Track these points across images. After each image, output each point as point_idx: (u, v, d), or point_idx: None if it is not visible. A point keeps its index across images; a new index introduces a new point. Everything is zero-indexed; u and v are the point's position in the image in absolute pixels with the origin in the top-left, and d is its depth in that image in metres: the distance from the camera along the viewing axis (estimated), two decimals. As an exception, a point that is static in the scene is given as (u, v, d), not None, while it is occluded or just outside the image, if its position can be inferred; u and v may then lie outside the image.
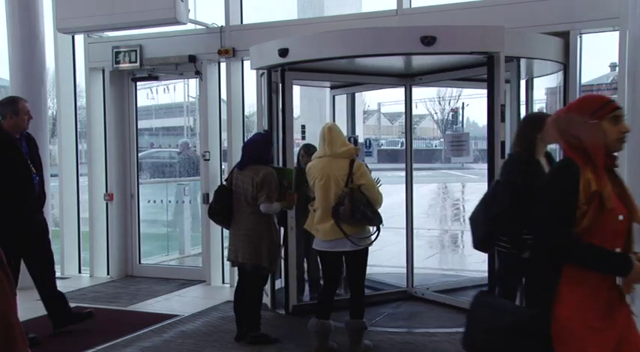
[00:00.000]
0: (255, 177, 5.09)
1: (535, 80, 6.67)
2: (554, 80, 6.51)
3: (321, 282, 5.81)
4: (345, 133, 5.85)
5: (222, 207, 5.28)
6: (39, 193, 5.42)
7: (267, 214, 5.15)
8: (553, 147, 4.62)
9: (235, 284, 5.65)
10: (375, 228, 4.90)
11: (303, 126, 7.62)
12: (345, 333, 5.08)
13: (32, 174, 5.27)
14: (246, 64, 7.16)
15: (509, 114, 5.72)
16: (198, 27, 7.39)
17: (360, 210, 4.73)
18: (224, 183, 5.54)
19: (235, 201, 5.24)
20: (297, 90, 8.06)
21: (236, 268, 5.57)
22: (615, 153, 2.64)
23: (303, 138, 7.69)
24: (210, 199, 5.49)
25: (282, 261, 5.98)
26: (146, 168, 9.19)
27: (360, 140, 7.67)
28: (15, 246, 5.12)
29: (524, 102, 6.79)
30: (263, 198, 5.06)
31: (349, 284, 5.16)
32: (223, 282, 7.54)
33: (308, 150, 6.29)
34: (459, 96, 45.08)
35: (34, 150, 5.47)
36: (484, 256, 5.78)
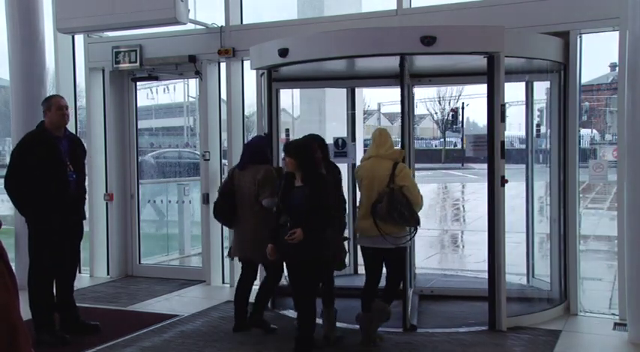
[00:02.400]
0: (257, 175, 5.30)
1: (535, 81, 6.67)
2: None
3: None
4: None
5: (223, 205, 5.48)
6: (76, 193, 5.38)
7: (272, 211, 5.23)
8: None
9: (235, 285, 5.74)
10: (412, 229, 5.07)
11: (287, 130, 7.57)
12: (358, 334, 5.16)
13: (68, 172, 5.25)
14: (246, 64, 7.16)
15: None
16: (198, 27, 7.38)
17: (397, 209, 4.88)
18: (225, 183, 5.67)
19: (239, 201, 5.41)
20: (296, 90, 8.07)
21: (240, 263, 5.66)
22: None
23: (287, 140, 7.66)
24: (211, 199, 5.57)
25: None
26: (155, 168, 9.19)
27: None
28: (49, 245, 5.22)
29: (524, 103, 6.80)
30: (267, 193, 5.22)
31: (387, 279, 5.21)
32: (223, 282, 7.54)
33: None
34: (459, 96, 45.08)
35: (76, 150, 5.43)
36: (484, 256, 5.80)
